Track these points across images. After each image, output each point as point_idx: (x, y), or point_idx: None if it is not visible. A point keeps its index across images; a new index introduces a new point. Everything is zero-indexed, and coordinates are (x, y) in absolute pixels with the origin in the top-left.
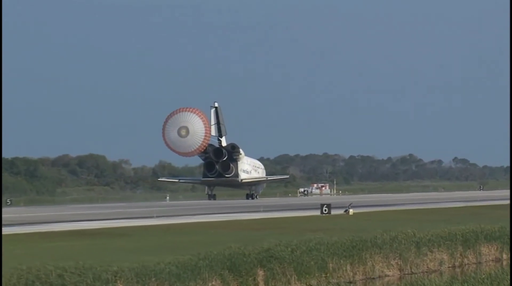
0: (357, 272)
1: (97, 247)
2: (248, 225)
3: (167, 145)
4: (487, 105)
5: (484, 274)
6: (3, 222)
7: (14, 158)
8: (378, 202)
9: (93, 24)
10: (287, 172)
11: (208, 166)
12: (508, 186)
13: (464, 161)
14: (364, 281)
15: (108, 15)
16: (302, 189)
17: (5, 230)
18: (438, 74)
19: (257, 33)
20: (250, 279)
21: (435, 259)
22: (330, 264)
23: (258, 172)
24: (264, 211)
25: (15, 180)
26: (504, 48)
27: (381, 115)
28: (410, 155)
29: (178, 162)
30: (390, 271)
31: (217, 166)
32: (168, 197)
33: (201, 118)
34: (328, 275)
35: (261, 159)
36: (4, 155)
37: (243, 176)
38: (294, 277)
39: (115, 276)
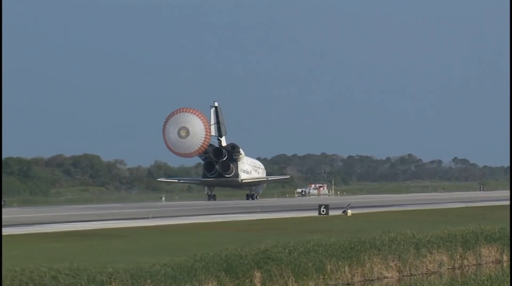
0: (356, 274)
1: (92, 248)
2: (245, 226)
3: (167, 146)
4: (487, 105)
5: (484, 276)
6: None
7: (7, 158)
8: (376, 203)
9: (93, 24)
10: (285, 172)
11: (208, 166)
12: (508, 187)
13: (464, 161)
14: (362, 283)
15: (108, 15)
16: (299, 190)
17: None
18: (438, 74)
19: (257, 33)
20: (247, 281)
21: (434, 260)
22: (328, 266)
23: (259, 172)
24: (261, 212)
25: (8, 181)
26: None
27: (380, 114)
28: (410, 155)
29: (174, 162)
30: (389, 272)
31: (217, 166)
32: (163, 198)
33: (201, 119)
34: (326, 277)
35: (258, 159)
36: None
37: (243, 176)
38: (292, 279)
39: (110, 278)
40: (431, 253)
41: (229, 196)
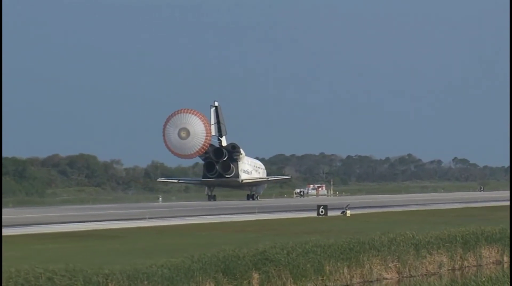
0: (355, 275)
1: (88, 249)
2: (242, 227)
3: (167, 147)
4: (487, 105)
5: (484, 277)
6: None
7: (2, 158)
8: (376, 203)
9: (93, 24)
10: (283, 173)
11: (208, 166)
12: (509, 187)
13: (464, 161)
14: (361, 284)
15: (108, 15)
16: (298, 190)
17: None
18: (438, 74)
19: (257, 33)
20: (244, 282)
21: (434, 261)
22: (327, 267)
23: (259, 173)
24: (259, 212)
25: (4, 181)
26: (504, 48)
27: (379, 114)
28: (409, 155)
29: (171, 162)
30: (388, 274)
31: (217, 166)
32: (160, 198)
33: (202, 120)
34: (324, 278)
35: (256, 159)
36: None
37: (243, 176)
38: (290, 280)
39: (106, 279)
40: (431, 254)
41: (229, 196)
